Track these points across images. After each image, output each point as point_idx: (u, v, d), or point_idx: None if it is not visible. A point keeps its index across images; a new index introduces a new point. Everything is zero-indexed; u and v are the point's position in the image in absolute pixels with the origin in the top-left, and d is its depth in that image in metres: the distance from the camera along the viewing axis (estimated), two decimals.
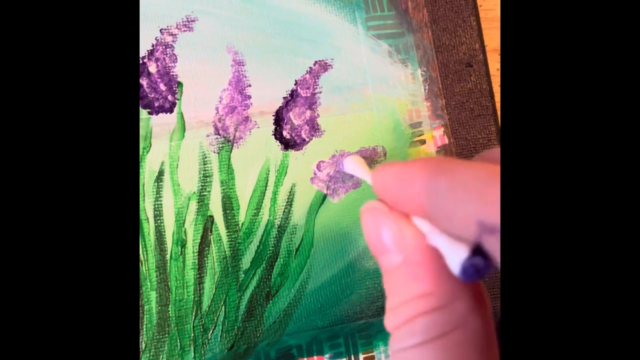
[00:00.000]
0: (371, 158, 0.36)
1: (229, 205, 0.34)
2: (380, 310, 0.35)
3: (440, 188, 0.16)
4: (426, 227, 0.18)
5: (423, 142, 0.36)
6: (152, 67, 0.34)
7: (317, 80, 0.36)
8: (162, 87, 0.34)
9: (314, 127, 0.35)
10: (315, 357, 0.34)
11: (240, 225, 0.34)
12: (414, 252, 0.18)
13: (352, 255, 0.35)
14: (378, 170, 0.20)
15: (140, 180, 0.33)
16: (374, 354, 0.35)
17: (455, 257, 0.17)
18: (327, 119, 0.35)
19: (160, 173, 0.34)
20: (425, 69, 0.37)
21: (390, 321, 0.18)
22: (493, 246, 0.15)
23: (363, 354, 0.35)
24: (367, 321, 0.35)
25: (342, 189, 0.35)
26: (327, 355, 0.34)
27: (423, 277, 0.17)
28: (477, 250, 0.16)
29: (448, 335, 0.16)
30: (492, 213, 0.15)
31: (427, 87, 0.37)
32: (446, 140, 0.37)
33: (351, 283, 0.35)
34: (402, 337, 0.17)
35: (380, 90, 0.36)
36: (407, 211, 0.18)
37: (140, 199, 0.33)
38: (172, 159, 0.34)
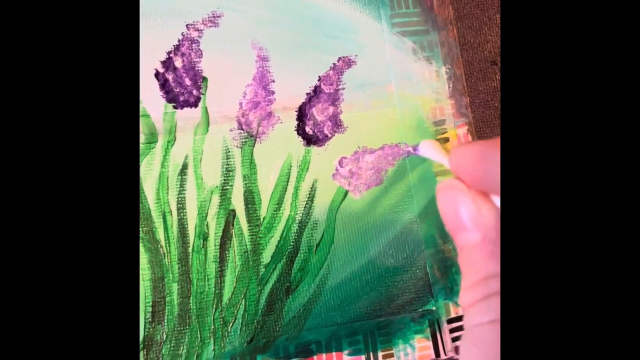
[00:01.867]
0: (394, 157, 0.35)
1: (250, 199, 0.34)
2: (400, 309, 0.35)
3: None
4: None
5: (447, 140, 0.36)
6: (178, 62, 0.34)
7: (340, 76, 0.36)
8: (188, 81, 0.34)
9: (336, 123, 0.35)
10: (334, 353, 0.34)
11: (261, 219, 0.35)
12: (492, 231, 0.18)
13: (372, 252, 0.35)
14: (456, 149, 0.20)
15: (164, 173, 0.34)
16: (392, 351, 0.34)
17: None
18: (350, 115, 0.35)
19: (184, 166, 0.34)
20: (449, 66, 0.37)
21: (466, 298, 0.18)
22: None
23: (382, 351, 0.34)
24: (387, 319, 0.35)
25: (364, 186, 0.35)
26: (345, 352, 0.34)
27: (499, 256, 0.17)
28: None
29: None
30: None
31: (451, 85, 0.37)
32: (470, 139, 0.36)
33: (371, 280, 0.35)
34: (478, 313, 0.17)
35: (404, 87, 0.36)
36: (486, 189, 0.18)
37: (164, 191, 0.34)
38: (196, 152, 0.34)
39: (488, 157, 0.18)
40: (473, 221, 0.18)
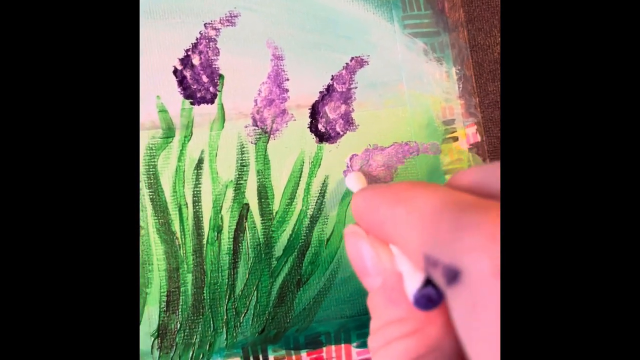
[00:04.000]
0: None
1: (264, 194, 0.35)
2: None
3: (397, 217, 0.17)
4: (396, 252, 0.19)
5: (456, 139, 0.37)
6: (196, 60, 0.35)
7: (353, 75, 0.37)
8: (205, 78, 0.35)
9: (348, 121, 0.36)
10: (342, 345, 0.35)
11: (274, 213, 0.35)
12: (390, 276, 0.18)
13: None
14: (356, 194, 0.21)
15: (180, 167, 0.35)
16: None
17: (411, 285, 0.17)
18: (362, 113, 0.36)
19: (200, 161, 0.35)
20: (459, 67, 0.38)
21: (371, 343, 0.19)
22: (438, 279, 0.15)
23: None
24: None
25: (375, 183, 0.36)
26: (354, 344, 0.35)
27: (399, 302, 0.18)
28: (430, 281, 0.17)
29: (423, 358, 0.17)
30: (436, 247, 0.15)
31: (461, 86, 0.37)
32: (478, 138, 0.37)
33: None
34: (381, 359, 0.18)
35: (415, 87, 0.37)
36: (377, 237, 0.19)
37: (180, 184, 0.35)
38: (211, 147, 0.35)
39: (375, 206, 0.18)
40: (373, 266, 0.19)
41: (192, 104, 0.35)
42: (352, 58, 0.37)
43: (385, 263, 0.19)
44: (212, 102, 0.35)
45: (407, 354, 0.17)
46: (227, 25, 0.36)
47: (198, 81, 0.35)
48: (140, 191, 0.35)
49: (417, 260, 0.16)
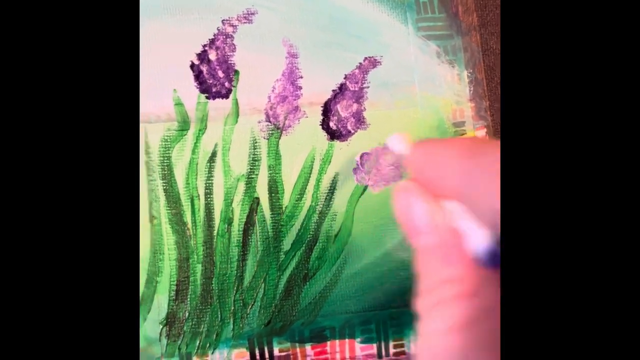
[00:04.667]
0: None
1: (274, 188, 0.36)
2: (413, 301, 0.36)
3: (472, 170, 0.17)
4: (457, 208, 0.18)
5: None
6: (212, 55, 0.36)
7: (365, 75, 0.37)
8: (220, 74, 0.36)
9: (359, 120, 0.37)
10: (346, 340, 0.36)
11: (283, 208, 0.36)
12: (447, 235, 0.18)
13: (388, 245, 0.36)
14: (414, 147, 0.20)
15: (194, 160, 0.36)
16: (403, 342, 0.36)
17: (478, 241, 0.17)
18: (373, 113, 0.37)
19: (213, 154, 0.36)
20: (471, 70, 0.38)
21: (422, 303, 0.18)
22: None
23: (393, 341, 0.36)
24: (400, 310, 0.36)
25: (383, 181, 0.37)
26: (358, 339, 0.36)
27: (456, 261, 0.17)
28: (495, 239, 0.16)
29: (478, 322, 0.16)
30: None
31: (472, 89, 0.38)
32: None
33: (386, 272, 0.36)
34: (433, 320, 0.17)
35: (426, 88, 0.37)
36: (441, 191, 0.18)
37: (193, 177, 0.36)
38: (225, 141, 0.36)
39: (443, 160, 0.18)
40: (428, 224, 0.18)
41: (207, 98, 0.36)
42: (366, 58, 0.37)
43: (440, 219, 0.18)
44: (227, 97, 0.36)
45: (462, 314, 0.16)
46: (244, 23, 0.36)
47: (214, 76, 0.36)
48: (154, 182, 0.35)
49: (487, 216, 0.16)
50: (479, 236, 0.17)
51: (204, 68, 0.36)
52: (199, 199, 0.36)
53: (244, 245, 0.36)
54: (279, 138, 0.36)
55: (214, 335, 0.35)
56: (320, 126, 0.37)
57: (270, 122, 0.36)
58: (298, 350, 0.35)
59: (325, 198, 0.36)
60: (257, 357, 0.35)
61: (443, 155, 0.18)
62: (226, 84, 0.36)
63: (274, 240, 0.36)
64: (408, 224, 0.19)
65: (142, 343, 0.34)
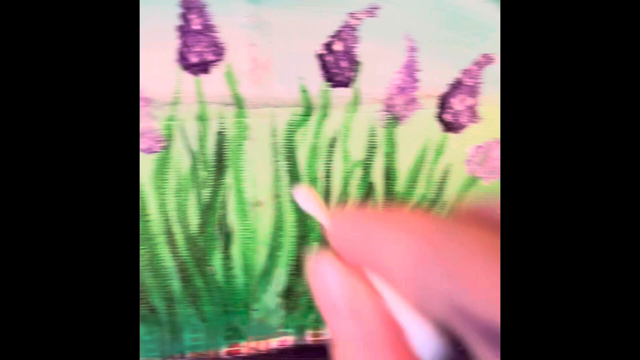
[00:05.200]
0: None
1: (389, 175, 0.38)
2: None
3: (424, 252, 0.13)
4: (390, 294, 0.14)
5: None
6: (337, 46, 0.38)
7: (481, 71, 0.39)
8: (344, 64, 0.38)
9: (473, 114, 0.38)
10: None
11: (396, 194, 0.38)
12: (371, 322, 0.14)
13: None
14: (338, 212, 0.16)
15: (316, 144, 0.38)
16: None
17: (423, 341, 0.14)
18: (487, 108, 0.39)
19: (334, 140, 0.38)
20: None
21: None
22: (471, 339, 0.12)
23: None
24: None
25: (494, 174, 0.38)
26: None
27: (381, 357, 0.14)
28: (452, 338, 0.13)
29: None
30: (467, 294, 0.12)
31: None
32: None
33: None
34: None
35: None
36: (372, 270, 0.15)
37: (315, 160, 0.38)
38: (345, 128, 0.38)
39: (379, 231, 0.14)
40: (348, 307, 0.14)
41: (330, 86, 0.38)
42: (482, 54, 0.39)
43: (366, 305, 0.14)
44: (348, 86, 0.38)
45: None
46: (369, 16, 0.38)
47: (338, 66, 0.38)
48: (278, 163, 0.38)
49: (438, 308, 0.13)
50: (425, 334, 0.14)
51: (329, 58, 0.38)
52: (319, 181, 0.38)
53: None
54: (396, 127, 0.38)
55: None
56: (436, 118, 0.38)
57: (388, 111, 0.38)
58: None
59: (437, 187, 0.38)
60: None
61: (379, 228, 0.14)
62: (349, 73, 0.38)
63: None
64: (325, 304, 0.15)
65: (261, 313, 0.37)
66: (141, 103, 0.36)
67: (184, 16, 0.37)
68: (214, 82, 0.37)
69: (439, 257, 0.13)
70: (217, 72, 0.37)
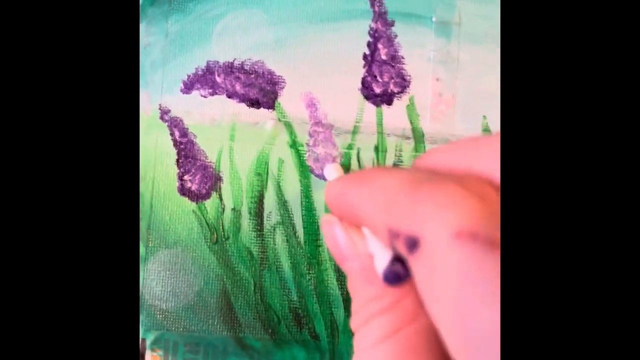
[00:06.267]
0: None
1: None
2: None
3: (363, 197, 0.18)
4: (367, 233, 0.19)
5: None
6: None
7: None
8: None
9: None
10: None
11: None
12: (365, 258, 0.19)
13: None
14: (328, 183, 0.21)
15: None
16: None
17: (380, 263, 0.18)
18: None
19: None
20: None
21: (353, 323, 0.19)
22: (402, 251, 0.16)
23: None
24: None
25: None
26: None
27: (374, 281, 0.19)
28: (398, 258, 0.18)
29: (401, 330, 0.18)
30: (397, 220, 0.16)
31: None
32: None
33: None
34: (363, 336, 0.19)
35: None
36: (349, 222, 0.20)
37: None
38: None
39: (343, 193, 0.19)
40: (349, 251, 0.20)
41: None
42: None
43: (359, 246, 0.19)
44: None
45: (386, 327, 0.18)
46: None
47: None
48: None
49: (383, 237, 0.17)
50: (381, 257, 0.18)
51: None
52: None
53: None
54: None
55: None
56: None
57: None
58: None
59: None
60: None
61: (342, 190, 0.20)
62: None
63: None
64: (335, 253, 0.20)
65: None
66: (322, 129, 0.36)
67: (372, 45, 0.37)
68: (395, 113, 0.37)
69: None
70: (399, 104, 0.37)
